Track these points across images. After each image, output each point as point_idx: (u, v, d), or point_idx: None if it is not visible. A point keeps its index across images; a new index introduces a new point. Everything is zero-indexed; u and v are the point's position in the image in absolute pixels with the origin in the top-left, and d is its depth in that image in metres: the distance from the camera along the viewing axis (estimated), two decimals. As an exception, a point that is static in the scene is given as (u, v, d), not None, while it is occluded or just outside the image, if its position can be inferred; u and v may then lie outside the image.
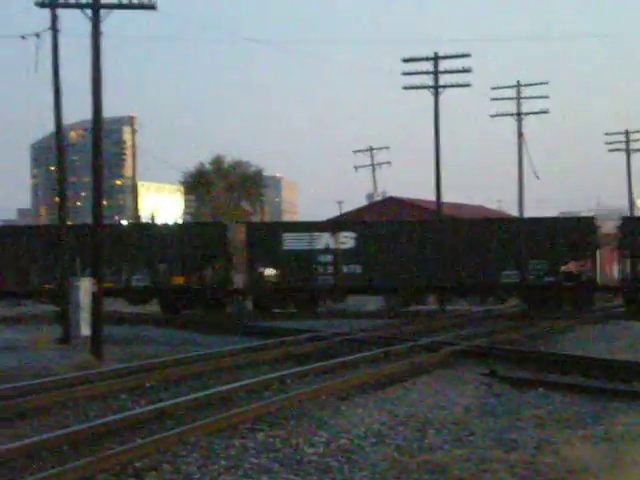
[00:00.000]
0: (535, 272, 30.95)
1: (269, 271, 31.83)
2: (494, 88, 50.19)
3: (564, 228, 31.83)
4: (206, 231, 33.82)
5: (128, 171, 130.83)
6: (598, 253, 31.73)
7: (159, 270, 32.22)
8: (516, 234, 31.46)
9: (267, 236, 32.40)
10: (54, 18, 22.97)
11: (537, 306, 30.70)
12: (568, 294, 30.87)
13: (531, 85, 50.23)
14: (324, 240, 31.72)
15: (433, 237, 31.96)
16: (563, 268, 30.73)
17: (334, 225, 34.95)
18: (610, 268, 32.05)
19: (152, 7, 21.07)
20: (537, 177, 49.81)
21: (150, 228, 37.51)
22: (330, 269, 31.61)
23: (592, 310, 30.58)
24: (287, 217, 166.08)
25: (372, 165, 63.17)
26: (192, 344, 22.22)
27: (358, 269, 31.62)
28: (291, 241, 31.72)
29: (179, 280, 32.11)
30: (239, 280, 32.89)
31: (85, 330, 21.71)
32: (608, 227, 32.71)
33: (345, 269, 31.59)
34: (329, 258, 31.62)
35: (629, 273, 30.76)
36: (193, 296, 32.00)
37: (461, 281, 31.62)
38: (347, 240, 31.80)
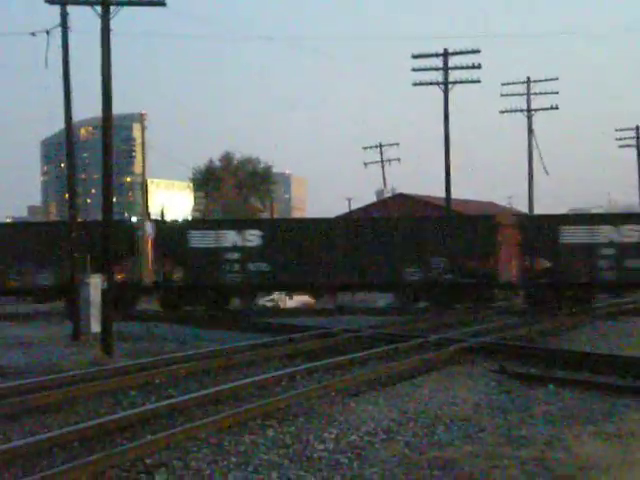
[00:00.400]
0: (437, 269, 31.40)
1: (178, 270, 31.76)
2: (504, 84, 50.06)
3: (466, 226, 32.41)
4: (115, 230, 33.92)
5: (138, 168, 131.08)
6: (500, 250, 32.14)
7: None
8: (419, 232, 31.93)
9: (174, 234, 32.34)
10: (64, 15, 23.02)
11: (439, 303, 31.30)
12: (469, 291, 31.39)
13: (541, 81, 50.09)
14: (231, 238, 31.83)
15: (339, 235, 32.19)
16: (465, 266, 31.19)
17: (240, 223, 35.29)
18: (511, 265, 32.58)
19: (161, 3, 21.08)
20: (546, 172, 49.73)
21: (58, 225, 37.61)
22: (237, 267, 31.74)
23: (492, 306, 31.21)
24: (296, 214, 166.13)
25: (381, 161, 63.01)
26: (201, 340, 22.25)
27: (265, 267, 31.70)
28: (198, 239, 31.66)
29: None
30: (149, 279, 32.59)
31: (95, 326, 21.79)
32: (509, 225, 33.35)
33: (252, 267, 31.68)
34: (236, 256, 31.76)
35: (527, 270, 31.38)
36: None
37: (366, 278, 31.93)
38: (254, 238, 31.93)
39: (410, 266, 31.44)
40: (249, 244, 31.69)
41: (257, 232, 32.00)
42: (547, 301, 30.81)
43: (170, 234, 32.22)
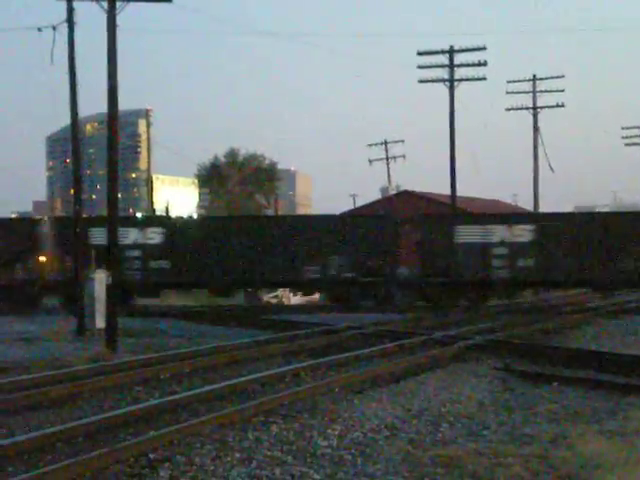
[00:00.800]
0: (336, 268, 31.62)
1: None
2: (510, 82, 49.97)
3: (367, 225, 32.66)
4: (16, 227, 34.08)
5: (143, 164, 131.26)
6: (400, 249, 32.68)
7: None
8: (319, 230, 32.19)
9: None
10: (70, 10, 23.04)
11: (339, 301, 31.53)
12: (369, 289, 31.62)
13: (547, 79, 49.97)
14: (132, 235, 32.01)
15: (239, 233, 32.41)
16: (365, 264, 31.50)
17: (142, 220, 35.59)
18: (408, 263, 33.18)
19: None
20: (552, 170, 49.65)
21: None
22: (139, 264, 31.95)
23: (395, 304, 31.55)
24: (301, 210, 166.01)
25: (386, 159, 62.99)
26: (206, 336, 22.27)
27: (166, 264, 31.87)
28: (99, 236, 31.62)
29: None
30: (52, 276, 32.49)
31: (100, 322, 21.81)
32: (408, 224, 33.74)
33: (153, 264, 31.89)
34: (137, 253, 31.93)
35: (417, 268, 32.04)
36: (2, 293, 31.85)
37: (267, 276, 32.15)
38: (155, 235, 32.21)
39: (310, 264, 31.72)
40: (150, 242, 32.05)
41: (159, 230, 32.32)
42: (443, 299, 31.26)
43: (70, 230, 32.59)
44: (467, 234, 31.65)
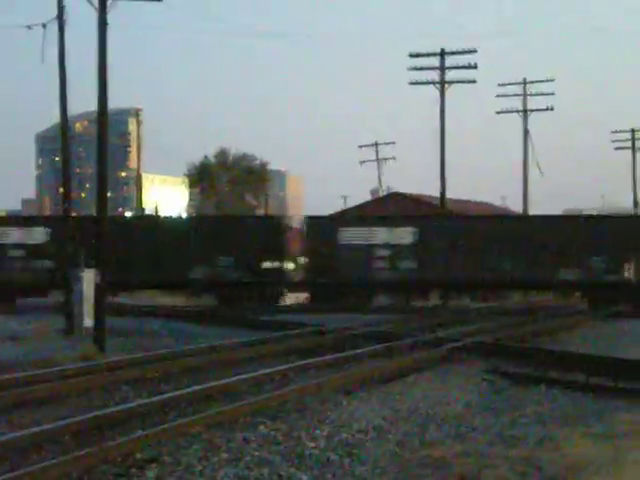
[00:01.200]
0: (224, 269, 31.93)
1: None
2: (500, 85, 50.15)
3: (256, 226, 33.28)
4: None
5: (133, 163, 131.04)
6: (287, 250, 33.31)
7: None
8: (208, 231, 32.59)
9: None
10: (60, 8, 22.98)
11: (228, 302, 31.74)
12: (255, 289, 31.98)
13: (537, 82, 50.15)
14: (16, 235, 32.37)
15: (138, 233, 32.86)
16: (252, 264, 31.93)
17: (26, 220, 36.03)
18: (298, 264, 33.74)
19: (158, -2, 21.05)
20: (541, 173, 49.88)
21: None
22: (22, 264, 32.19)
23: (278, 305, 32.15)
24: (292, 211, 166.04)
25: (377, 160, 63.13)
26: (195, 336, 22.24)
27: (49, 264, 31.99)
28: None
29: None
30: None
31: (88, 321, 21.74)
32: (295, 226, 34.29)
33: (39, 264, 32.10)
34: (21, 253, 32.21)
35: (311, 269, 32.60)
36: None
37: (156, 277, 32.44)
38: (39, 236, 32.50)
39: (198, 264, 31.92)
40: (34, 242, 32.38)
41: (43, 230, 32.69)
42: (329, 300, 31.63)
43: None
44: (350, 236, 32.17)
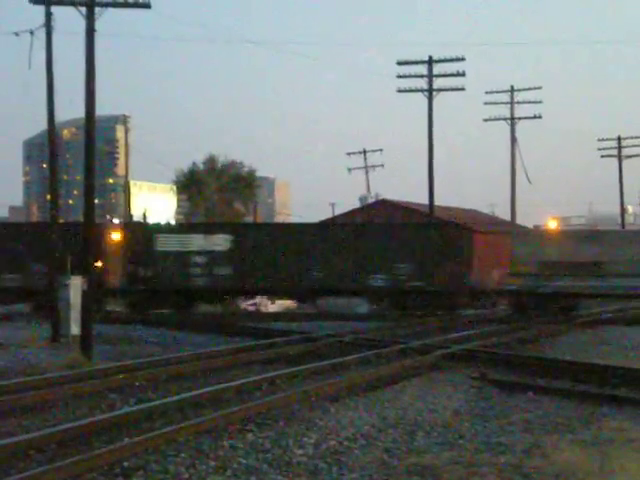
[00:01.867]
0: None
1: None
2: (488, 92, 50.36)
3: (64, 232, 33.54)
4: None
5: (121, 170, 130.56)
6: (110, 255, 33.00)
7: None
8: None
9: None
10: (48, 15, 22.91)
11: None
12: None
13: (525, 90, 50.40)
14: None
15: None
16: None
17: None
18: (118, 270, 33.77)
19: (146, 6, 21.05)
20: (529, 181, 50.11)
21: None
22: None
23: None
24: (280, 218, 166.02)
25: (365, 167, 63.18)
26: (183, 344, 22.16)
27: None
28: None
29: None
30: None
31: (75, 329, 21.62)
32: (114, 231, 34.48)
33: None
34: None
35: (131, 276, 32.72)
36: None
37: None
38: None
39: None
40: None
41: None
42: (147, 306, 31.74)
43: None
44: (167, 243, 32.52)
